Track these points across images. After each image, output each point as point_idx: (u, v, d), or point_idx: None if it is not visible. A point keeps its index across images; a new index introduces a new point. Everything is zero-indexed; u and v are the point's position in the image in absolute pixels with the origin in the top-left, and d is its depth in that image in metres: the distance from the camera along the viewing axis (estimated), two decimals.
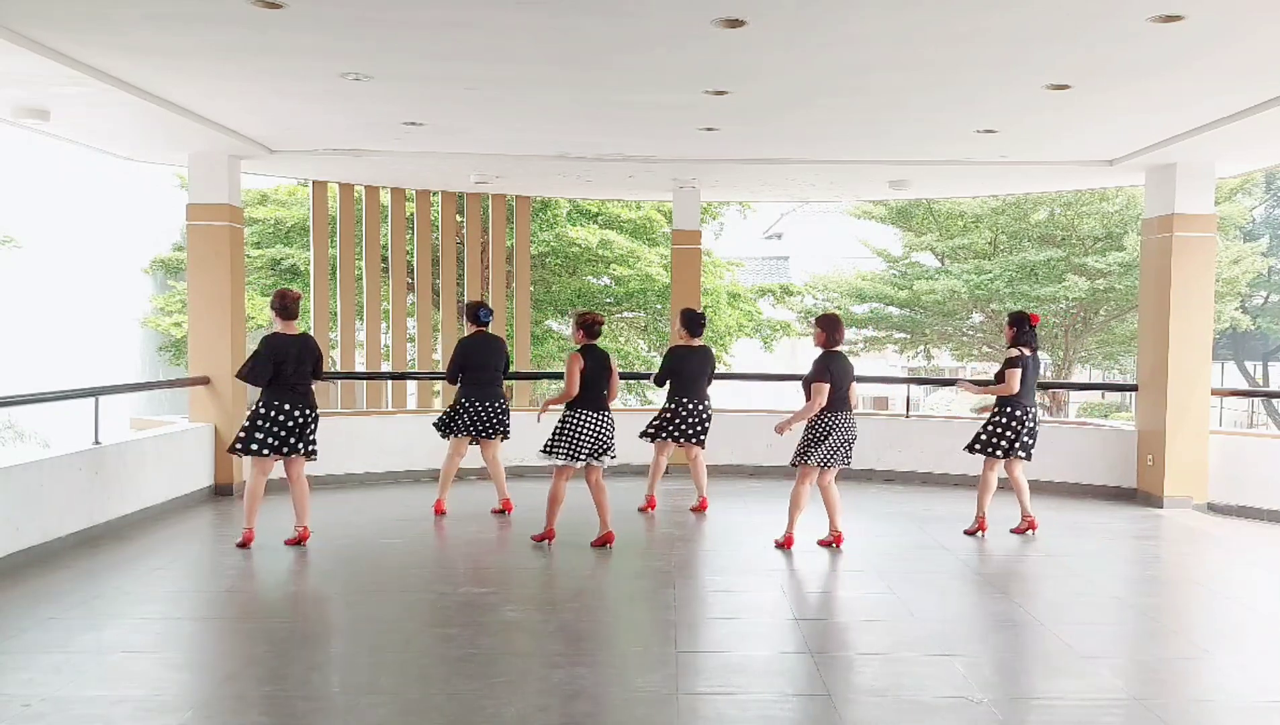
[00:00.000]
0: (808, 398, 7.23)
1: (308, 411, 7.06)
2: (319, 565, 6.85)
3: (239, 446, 6.97)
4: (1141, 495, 9.35)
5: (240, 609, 6.00)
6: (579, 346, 7.21)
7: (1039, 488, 9.73)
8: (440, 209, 11.91)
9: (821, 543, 7.31)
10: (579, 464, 7.08)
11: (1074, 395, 22.53)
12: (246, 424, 6.97)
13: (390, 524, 8.11)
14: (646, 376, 11.36)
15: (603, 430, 7.10)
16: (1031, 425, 7.68)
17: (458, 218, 12.36)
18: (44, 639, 5.16)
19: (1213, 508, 9.08)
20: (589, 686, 4.55)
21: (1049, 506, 9.06)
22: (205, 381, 9.07)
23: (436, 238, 12.42)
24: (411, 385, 12.32)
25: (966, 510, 8.89)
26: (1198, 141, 7.99)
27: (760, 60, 6.08)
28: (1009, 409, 7.66)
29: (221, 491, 9.10)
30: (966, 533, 7.80)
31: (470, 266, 12.05)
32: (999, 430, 7.67)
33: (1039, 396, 20.62)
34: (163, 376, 17.74)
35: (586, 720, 4.20)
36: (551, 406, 7.58)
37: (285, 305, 7.06)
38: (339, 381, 11.54)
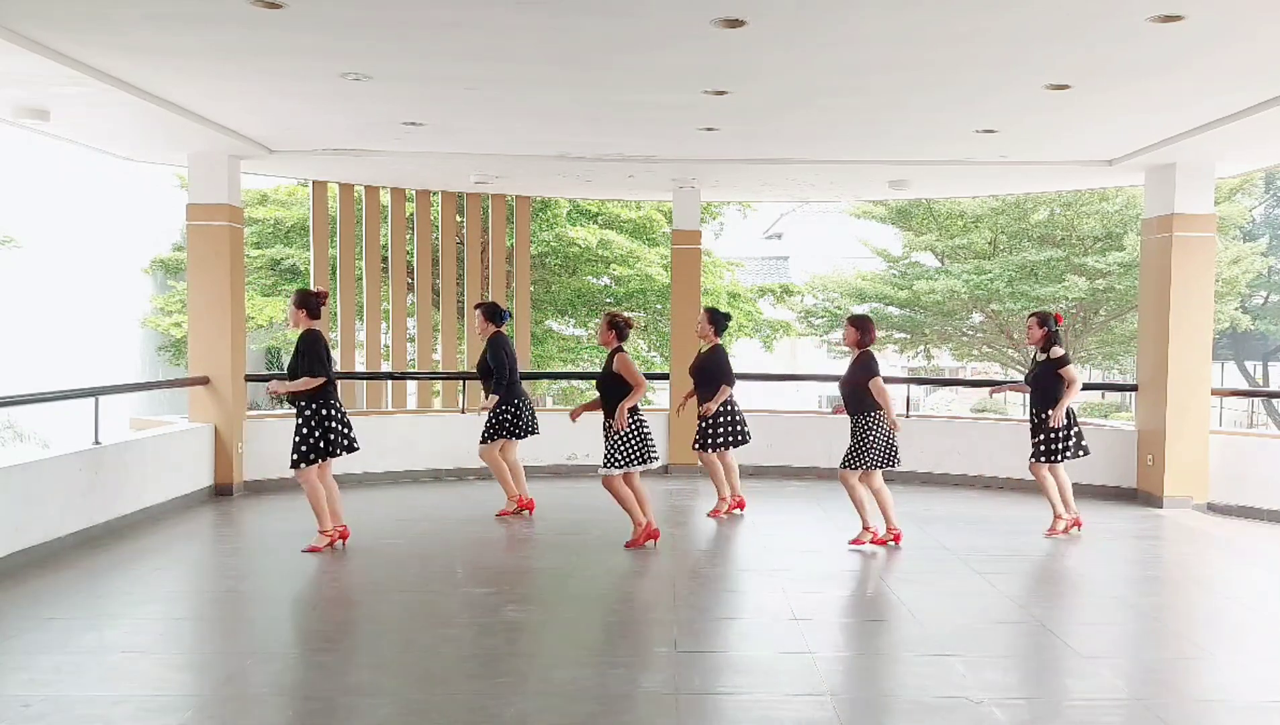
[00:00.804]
0: (848, 401, 7.21)
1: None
2: (319, 566, 6.85)
3: (316, 456, 6.86)
4: (1141, 495, 9.35)
5: (241, 609, 6.01)
6: (616, 348, 7.07)
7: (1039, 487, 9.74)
8: (440, 209, 11.91)
9: (876, 540, 7.29)
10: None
11: None
12: (316, 431, 6.86)
13: (390, 524, 8.11)
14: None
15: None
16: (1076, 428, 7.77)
17: (458, 218, 12.36)
18: (44, 639, 5.16)
19: (1213, 508, 9.08)
20: (590, 686, 4.55)
21: (1048, 506, 9.06)
22: (205, 381, 9.07)
23: (436, 238, 12.42)
24: (411, 385, 12.33)
25: (966, 510, 8.91)
26: (1198, 141, 7.99)
27: (760, 60, 6.08)
28: (1070, 411, 7.70)
29: (221, 491, 9.10)
30: (1054, 533, 7.76)
31: (470, 266, 12.05)
32: (1061, 433, 7.65)
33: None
34: (163, 376, 17.74)
35: (588, 720, 4.20)
36: (588, 412, 7.39)
37: (317, 305, 7.03)
38: (338, 381, 11.53)
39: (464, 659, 4.95)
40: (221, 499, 9.02)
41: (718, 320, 8.38)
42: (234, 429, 9.13)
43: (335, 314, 11.80)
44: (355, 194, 11.25)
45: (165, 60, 6.22)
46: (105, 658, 4.94)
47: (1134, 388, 10.08)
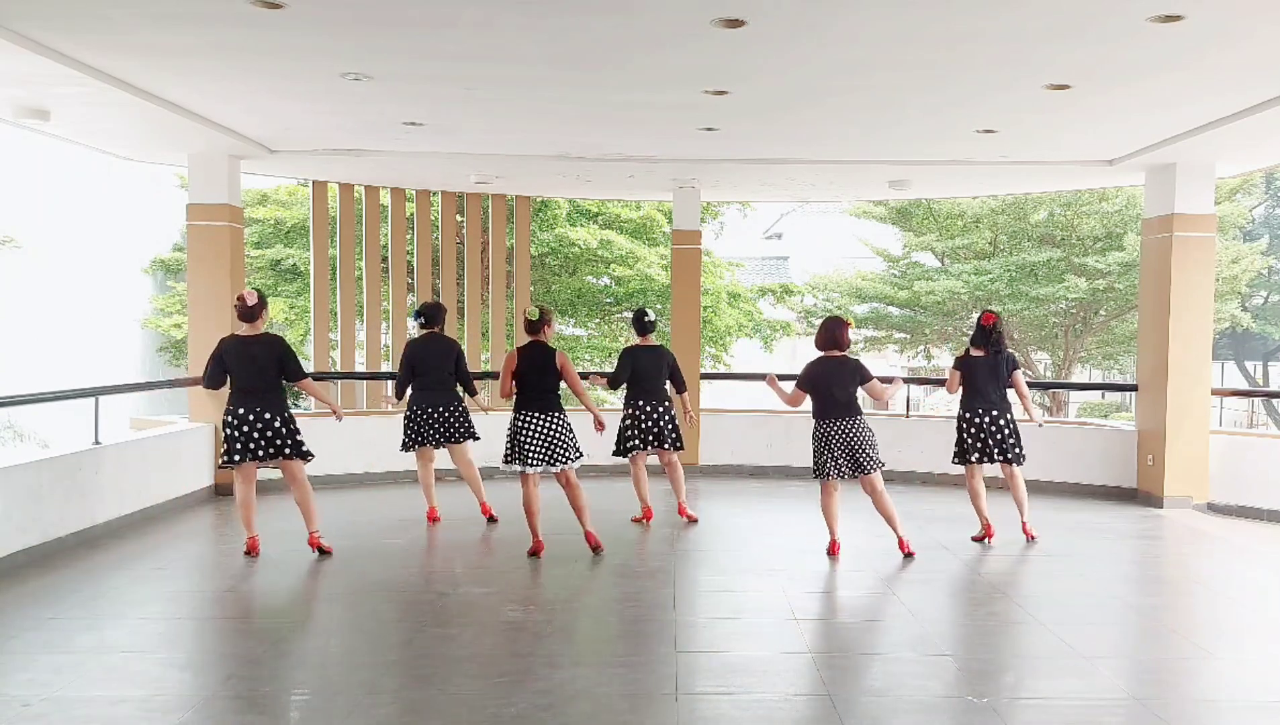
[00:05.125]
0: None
1: (266, 414, 6.91)
2: (319, 565, 6.85)
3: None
4: (1142, 495, 9.36)
5: (240, 609, 6.01)
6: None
7: (1039, 488, 9.75)
8: (440, 209, 11.91)
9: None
10: None
11: (1074, 395, 22.53)
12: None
13: (390, 524, 8.11)
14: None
15: None
16: (992, 429, 7.45)
17: (458, 218, 12.36)
18: (44, 639, 5.16)
19: (1213, 508, 9.08)
20: (590, 686, 4.56)
21: (1049, 506, 9.06)
22: None
23: (436, 238, 12.42)
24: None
25: (966, 511, 8.87)
26: (1198, 141, 7.99)
27: (760, 60, 6.08)
28: (961, 413, 7.63)
29: (221, 491, 9.09)
30: (975, 538, 7.67)
31: (470, 266, 12.05)
32: (958, 436, 7.61)
33: (1040, 396, 20.63)
34: (163, 377, 17.72)
35: (587, 720, 4.20)
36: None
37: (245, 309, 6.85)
38: (339, 381, 11.53)
39: (464, 659, 4.95)
40: (222, 499, 9.02)
41: (636, 321, 8.13)
42: None
43: (335, 314, 11.80)
44: (355, 194, 11.25)
45: (165, 60, 6.22)
46: (105, 658, 4.94)
47: (1134, 388, 10.09)
